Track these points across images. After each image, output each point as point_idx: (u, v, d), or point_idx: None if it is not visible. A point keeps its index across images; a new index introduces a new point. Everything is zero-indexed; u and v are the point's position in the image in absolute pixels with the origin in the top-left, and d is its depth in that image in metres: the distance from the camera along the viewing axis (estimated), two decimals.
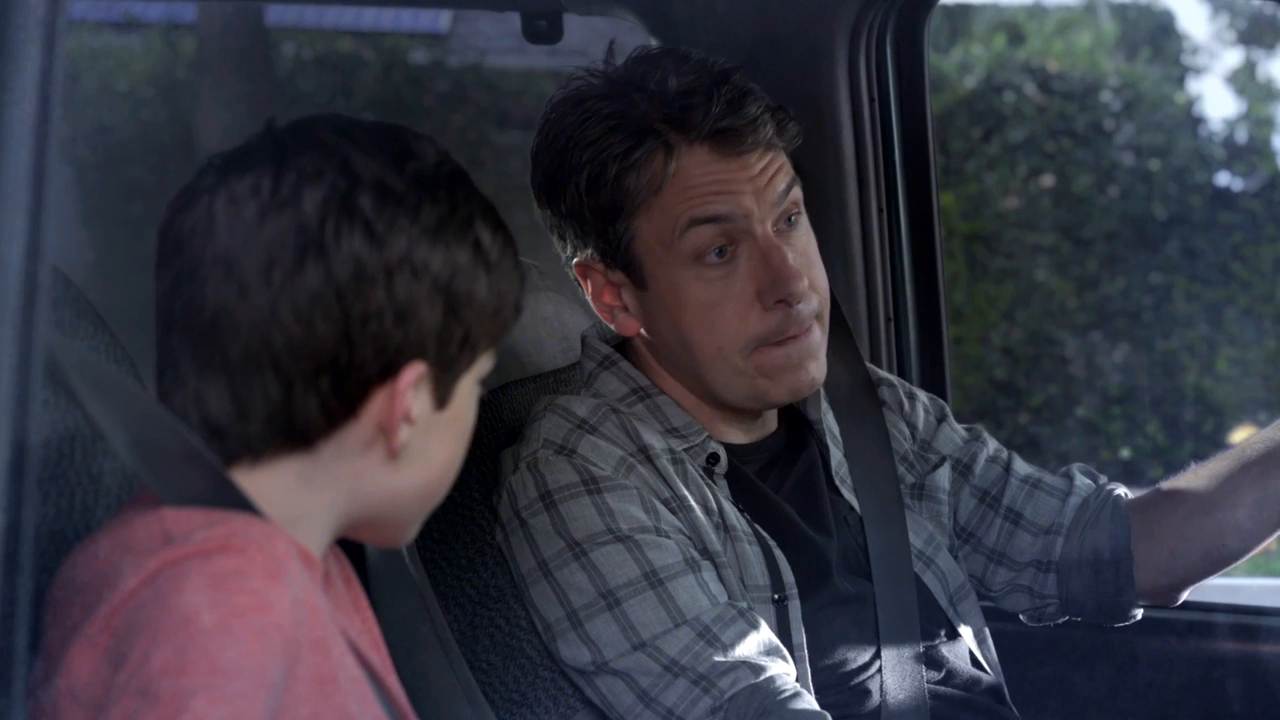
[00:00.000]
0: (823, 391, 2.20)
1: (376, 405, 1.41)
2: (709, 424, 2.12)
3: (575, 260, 2.10)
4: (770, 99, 2.06)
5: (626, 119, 2.02)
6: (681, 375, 2.10)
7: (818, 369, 2.08)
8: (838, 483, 2.18)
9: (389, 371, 1.41)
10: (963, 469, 2.28)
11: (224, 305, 1.38)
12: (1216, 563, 2.19)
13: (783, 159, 2.06)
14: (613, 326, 2.11)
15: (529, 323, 2.27)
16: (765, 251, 2.03)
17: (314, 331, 1.38)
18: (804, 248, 2.07)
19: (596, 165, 2.03)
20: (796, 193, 2.06)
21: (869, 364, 2.31)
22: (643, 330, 2.09)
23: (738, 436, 2.14)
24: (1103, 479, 2.30)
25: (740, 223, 2.02)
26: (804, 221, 2.09)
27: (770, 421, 2.17)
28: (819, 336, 2.07)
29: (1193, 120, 10.07)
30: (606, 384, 2.12)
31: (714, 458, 2.09)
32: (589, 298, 2.11)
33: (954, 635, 2.18)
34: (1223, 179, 9.77)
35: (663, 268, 2.04)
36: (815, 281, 2.07)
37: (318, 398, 1.40)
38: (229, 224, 1.39)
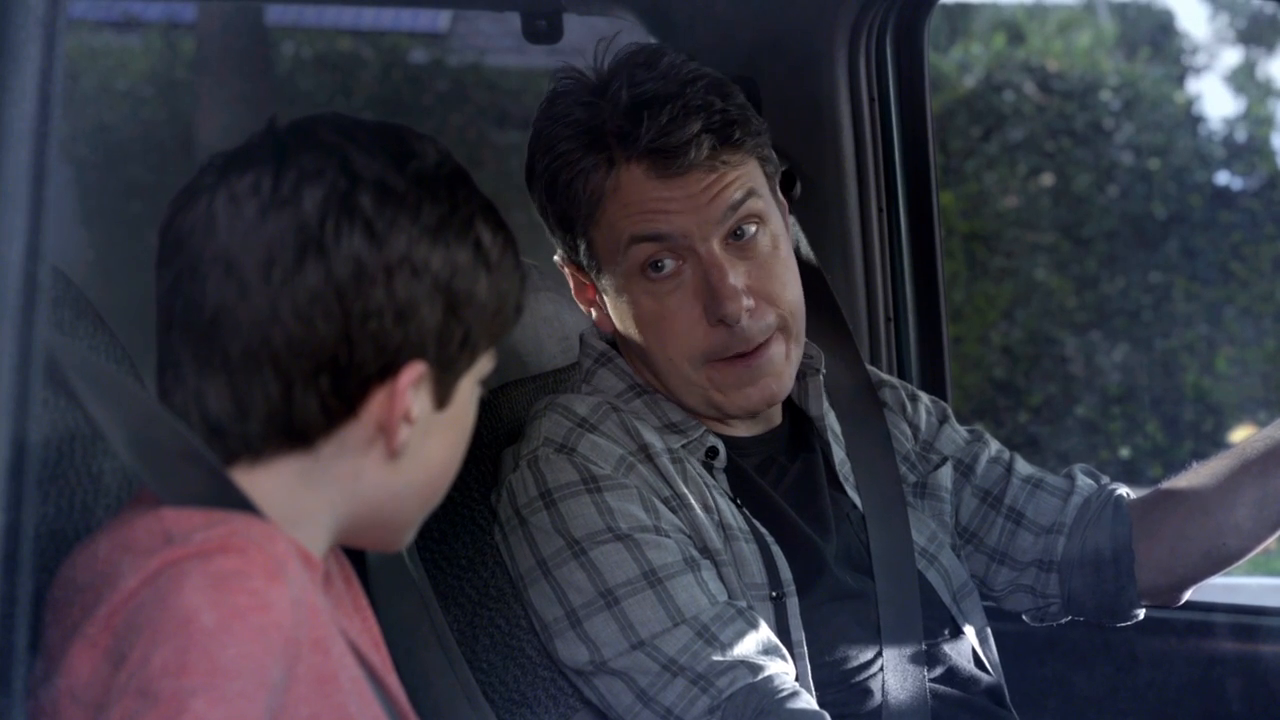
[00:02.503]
0: (824, 389, 2.20)
1: (376, 404, 1.41)
2: (706, 418, 2.12)
3: (555, 256, 2.13)
4: (734, 111, 2.02)
5: (587, 127, 2.03)
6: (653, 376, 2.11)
7: (776, 384, 2.07)
8: (841, 480, 2.18)
9: (389, 371, 1.41)
10: (964, 469, 2.28)
11: (224, 304, 1.38)
12: (1217, 562, 2.19)
13: (736, 172, 2.03)
14: (592, 322, 2.14)
15: (529, 323, 2.27)
16: (706, 270, 2.02)
17: (314, 330, 1.38)
18: (764, 259, 2.05)
19: (554, 171, 2.05)
20: (753, 204, 2.04)
21: (870, 366, 2.32)
22: (615, 329, 2.11)
23: (738, 430, 2.14)
24: (1105, 479, 2.29)
25: (681, 241, 2.02)
26: (766, 233, 2.05)
27: (773, 416, 2.17)
28: (779, 351, 2.06)
29: (1192, 120, 10.07)
30: (605, 380, 2.12)
31: (713, 451, 2.10)
32: (571, 291, 2.14)
33: (957, 633, 2.18)
34: (1222, 178, 9.77)
35: (613, 276, 2.06)
36: (774, 296, 2.04)
37: (317, 397, 1.40)
38: (229, 222, 1.39)
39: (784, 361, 2.06)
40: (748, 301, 2.02)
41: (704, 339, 2.04)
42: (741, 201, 2.03)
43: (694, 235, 2.02)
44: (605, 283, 2.07)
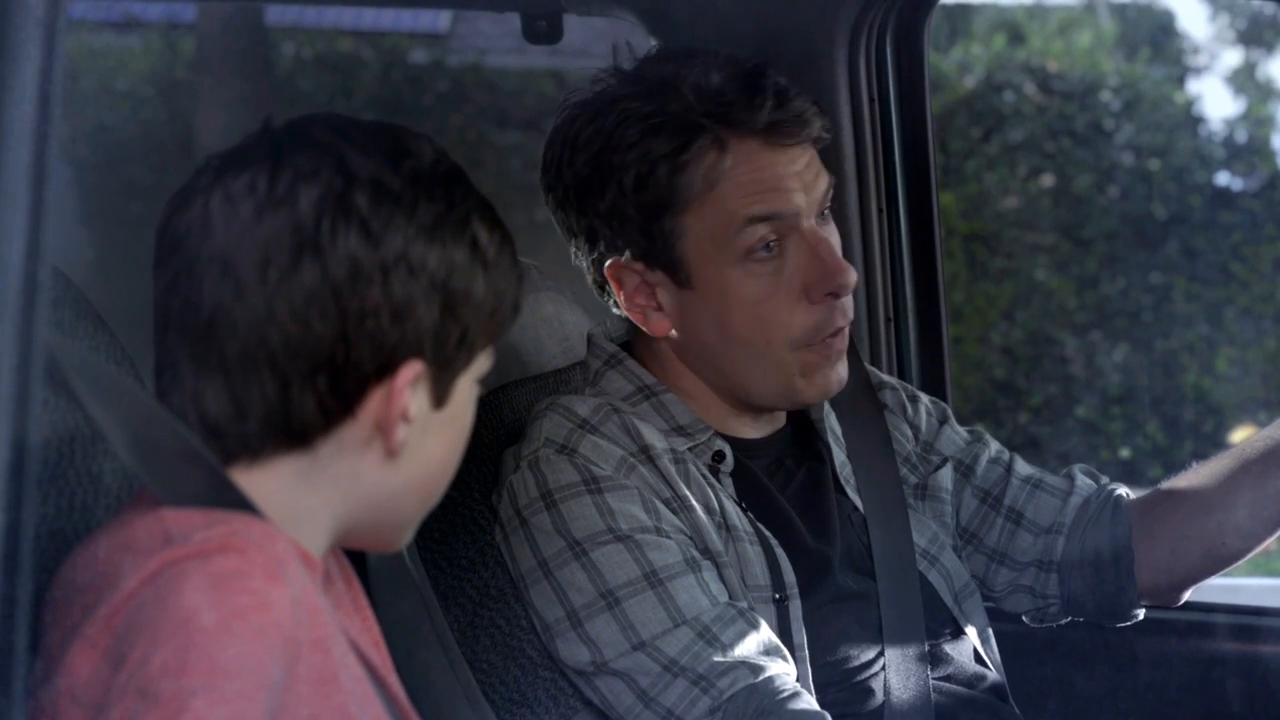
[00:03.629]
0: None
1: (374, 404, 1.42)
2: (719, 420, 2.11)
3: (609, 262, 2.06)
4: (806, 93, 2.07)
5: (668, 117, 2.01)
6: (708, 373, 2.09)
7: (845, 371, 2.09)
8: (842, 481, 2.18)
9: (386, 370, 1.41)
10: (964, 470, 2.28)
11: (221, 304, 1.38)
12: (1217, 562, 2.19)
13: (815, 153, 2.07)
14: (644, 327, 2.08)
15: (529, 323, 2.27)
16: (813, 246, 2.03)
17: (310, 330, 1.38)
18: (837, 242, 2.08)
19: (644, 165, 2.01)
20: (830, 188, 2.08)
21: (870, 367, 2.32)
22: (674, 331, 2.08)
23: (748, 431, 2.13)
24: (1104, 479, 2.30)
25: (790, 219, 2.03)
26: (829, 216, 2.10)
27: (780, 418, 2.17)
28: (845, 339, 2.09)
29: (1192, 120, 10.07)
30: (612, 382, 2.12)
31: (719, 455, 2.09)
32: (620, 299, 2.08)
33: (959, 633, 2.18)
34: (1222, 179, 9.78)
35: (711, 264, 2.03)
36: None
37: (315, 396, 1.40)
38: (225, 223, 1.39)
39: (845, 351, 2.09)
40: (853, 274, 2.05)
41: (805, 317, 2.04)
42: (830, 182, 2.07)
43: (802, 212, 2.03)
44: (688, 273, 2.04)
